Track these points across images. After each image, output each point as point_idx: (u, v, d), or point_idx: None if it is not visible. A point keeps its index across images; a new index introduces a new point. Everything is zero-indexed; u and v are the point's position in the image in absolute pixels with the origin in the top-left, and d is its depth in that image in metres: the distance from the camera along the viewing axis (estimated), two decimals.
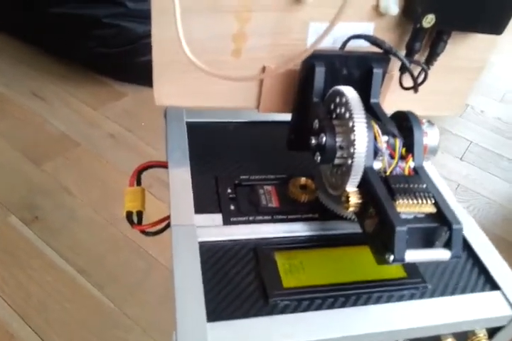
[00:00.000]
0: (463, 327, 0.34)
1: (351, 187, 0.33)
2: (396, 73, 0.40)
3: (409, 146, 0.34)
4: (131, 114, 1.51)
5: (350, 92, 0.33)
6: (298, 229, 0.38)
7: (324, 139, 0.33)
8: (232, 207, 0.38)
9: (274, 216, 0.38)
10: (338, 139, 0.33)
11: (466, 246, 0.38)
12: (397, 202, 0.31)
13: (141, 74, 1.48)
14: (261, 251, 0.35)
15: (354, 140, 0.32)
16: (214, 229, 0.37)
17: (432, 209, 0.31)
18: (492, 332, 0.35)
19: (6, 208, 1.17)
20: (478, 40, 0.40)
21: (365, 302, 0.33)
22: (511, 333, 0.36)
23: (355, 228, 0.38)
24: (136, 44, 1.46)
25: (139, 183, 0.48)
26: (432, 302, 0.34)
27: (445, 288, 0.35)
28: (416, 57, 0.39)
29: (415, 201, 0.31)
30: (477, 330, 0.35)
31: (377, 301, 0.33)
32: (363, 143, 0.32)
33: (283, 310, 0.32)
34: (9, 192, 1.23)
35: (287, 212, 0.39)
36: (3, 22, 1.69)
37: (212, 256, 0.35)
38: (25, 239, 1.11)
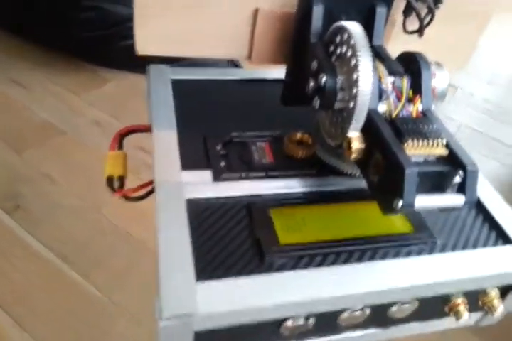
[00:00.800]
0: (475, 284, 0.31)
1: (353, 132, 0.30)
2: (399, 18, 0.37)
3: (416, 88, 0.31)
4: (115, 100, 1.47)
5: (354, 27, 0.30)
6: (294, 185, 0.34)
7: (324, 79, 0.30)
8: (222, 164, 0.35)
9: (269, 172, 0.35)
10: (339, 79, 0.30)
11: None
12: (406, 144, 0.28)
13: (124, 59, 1.44)
14: (255, 208, 0.32)
15: (357, 78, 0.29)
16: (203, 185, 0.33)
17: (444, 152, 0.28)
18: (504, 291, 0.33)
19: None
20: None
21: (371, 259, 0.30)
22: None
23: (356, 184, 0.35)
24: (118, 27, 1.41)
25: (120, 149, 0.45)
26: (443, 257, 0.31)
27: (455, 243, 0.32)
28: None
29: (425, 142, 0.28)
30: (488, 289, 0.32)
31: (384, 257, 0.30)
32: (368, 81, 0.28)
33: (281, 268, 0.28)
34: None
35: (283, 168, 0.35)
36: None
37: (201, 213, 0.31)
38: (7, 228, 1.07)
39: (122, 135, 0.45)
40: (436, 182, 0.27)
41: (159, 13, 0.35)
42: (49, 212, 1.15)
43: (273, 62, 0.38)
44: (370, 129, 0.29)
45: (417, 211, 0.27)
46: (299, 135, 0.37)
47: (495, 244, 0.33)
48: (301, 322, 0.29)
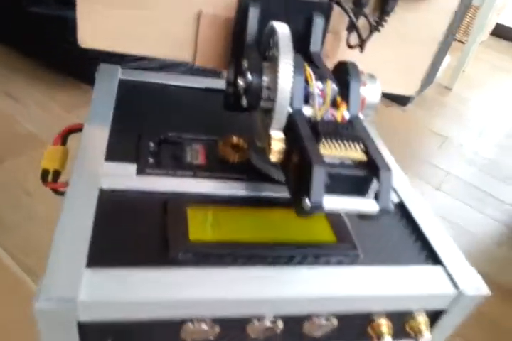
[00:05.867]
0: (397, 302, 0.29)
1: (276, 132, 0.29)
2: (344, 33, 0.38)
3: (345, 96, 0.31)
4: None
5: (281, 27, 0.30)
6: (220, 187, 0.33)
7: (250, 78, 0.30)
8: (151, 160, 0.34)
9: (197, 172, 0.34)
10: (265, 78, 0.30)
11: (410, 219, 0.35)
12: (321, 144, 0.27)
13: None
14: (172, 204, 0.31)
15: (277, 75, 0.28)
16: (123, 177, 0.32)
17: (361, 156, 0.27)
18: (433, 318, 0.31)
19: None
20: (432, 11, 0.37)
21: (284, 264, 0.28)
22: (455, 321, 0.31)
23: (285, 191, 0.34)
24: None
25: (64, 145, 0.45)
26: (362, 270, 0.29)
27: (379, 257, 0.30)
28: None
29: (341, 143, 0.27)
30: (416, 313, 0.30)
31: (299, 264, 0.29)
32: (286, 79, 0.28)
33: (185, 264, 0.27)
34: None
35: (213, 169, 0.35)
36: None
37: (113, 203, 0.30)
38: None
39: (68, 131, 0.45)
40: (352, 187, 0.26)
41: (103, 12, 0.35)
42: (20, 223, 1.13)
43: (217, 66, 0.38)
44: (291, 130, 0.29)
45: (330, 213, 0.26)
46: (234, 139, 0.37)
47: (422, 263, 0.31)
48: (203, 326, 0.27)
